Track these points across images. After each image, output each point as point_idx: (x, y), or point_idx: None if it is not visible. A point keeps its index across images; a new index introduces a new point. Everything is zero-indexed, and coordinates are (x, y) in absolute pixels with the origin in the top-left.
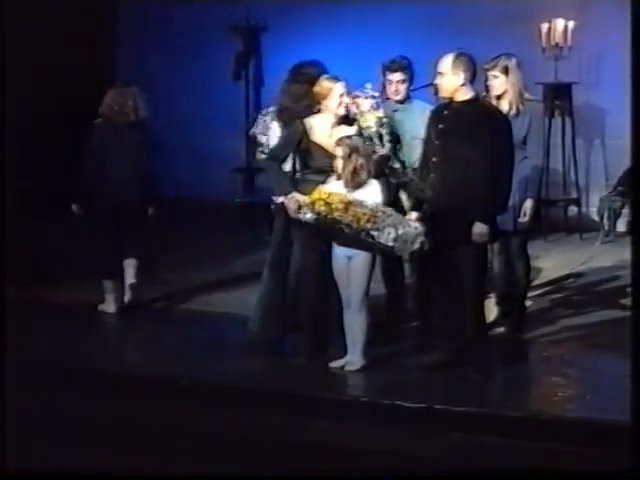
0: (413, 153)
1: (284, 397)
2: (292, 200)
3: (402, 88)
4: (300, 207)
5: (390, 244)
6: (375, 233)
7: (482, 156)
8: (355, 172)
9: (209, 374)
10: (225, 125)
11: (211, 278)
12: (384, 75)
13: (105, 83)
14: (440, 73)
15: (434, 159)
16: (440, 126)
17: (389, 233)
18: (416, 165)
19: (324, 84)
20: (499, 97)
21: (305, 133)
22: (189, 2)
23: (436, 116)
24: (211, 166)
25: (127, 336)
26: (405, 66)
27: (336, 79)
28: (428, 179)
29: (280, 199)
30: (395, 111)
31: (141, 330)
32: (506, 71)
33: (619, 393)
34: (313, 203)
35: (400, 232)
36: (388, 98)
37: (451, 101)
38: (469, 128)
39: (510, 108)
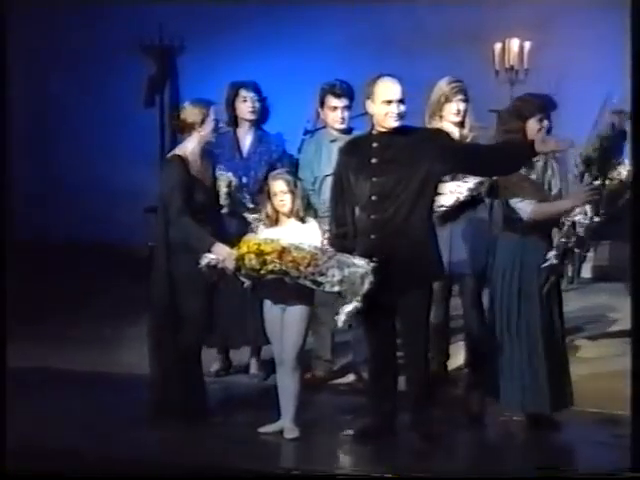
0: None
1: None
2: (229, 257)
3: (347, 115)
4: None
5: (335, 288)
6: (319, 278)
7: (433, 179)
8: (306, 202)
9: (118, 446)
10: (137, 158)
11: (116, 334)
12: (323, 100)
13: None
14: (394, 101)
15: (373, 198)
16: (374, 161)
17: (333, 275)
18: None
19: (196, 110)
20: (461, 124)
21: (186, 168)
22: (92, 19)
23: (362, 151)
24: (120, 204)
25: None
26: (348, 91)
27: (208, 103)
28: (366, 221)
29: (209, 258)
30: (333, 141)
31: (32, 396)
32: (467, 95)
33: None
34: (242, 257)
35: (346, 273)
36: (325, 126)
37: (379, 132)
38: (412, 156)
39: (470, 131)
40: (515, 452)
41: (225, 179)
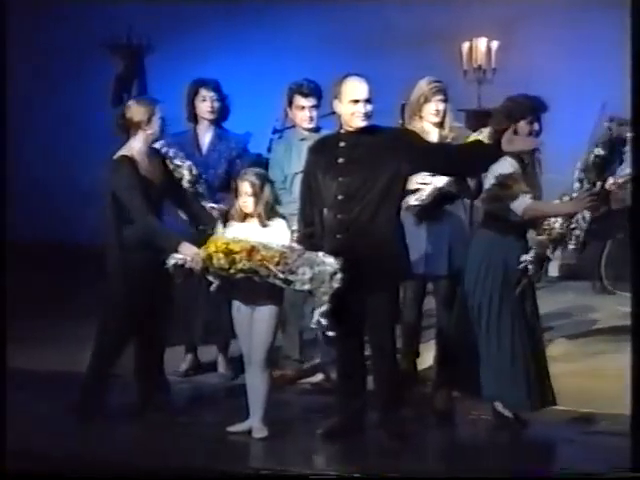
0: None
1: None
2: (197, 256)
3: (315, 114)
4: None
5: (306, 287)
6: (289, 276)
7: (402, 180)
8: (271, 207)
9: (84, 446)
10: (105, 157)
11: (81, 333)
12: (291, 100)
13: None
14: (362, 101)
15: (340, 197)
16: (340, 160)
17: (304, 273)
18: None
19: (142, 108)
20: (440, 124)
21: (136, 168)
22: (60, 18)
23: (330, 150)
24: (90, 204)
25: None
26: (316, 90)
27: (154, 101)
28: (332, 220)
29: (176, 257)
30: (302, 140)
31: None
32: (446, 95)
33: None
34: (210, 257)
35: (316, 271)
36: (293, 125)
37: (347, 131)
38: (379, 156)
39: (450, 132)
40: (484, 450)
41: (187, 167)
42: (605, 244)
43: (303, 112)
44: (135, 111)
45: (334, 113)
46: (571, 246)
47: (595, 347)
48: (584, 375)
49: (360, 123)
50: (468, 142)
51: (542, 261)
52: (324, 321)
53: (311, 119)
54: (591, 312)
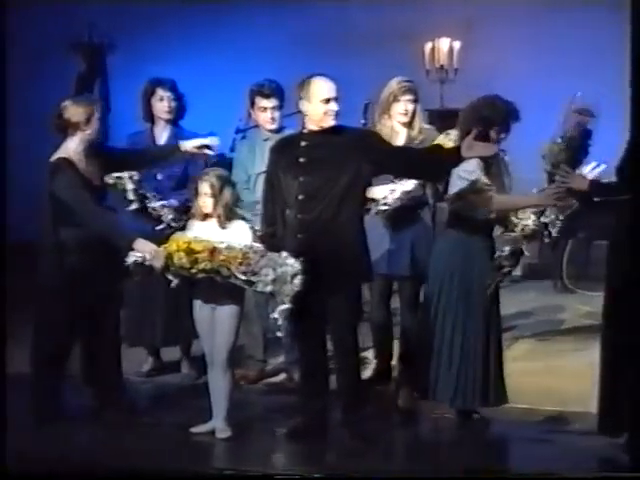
0: None
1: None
2: (158, 254)
3: (277, 115)
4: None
5: (268, 288)
6: (252, 277)
7: (364, 182)
8: (230, 208)
9: (48, 447)
10: None
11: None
12: (253, 101)
13: None
14: (331, 99)
15: (300, 197)
16: (302, 160)
17: (266, 274)
18: None
19: (81, 108)
20: (410, 124)
21: (76, 169)
22: (21, 17)
23: (292, 150)
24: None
25: None
26: (277, 90)
27: (93, 101)
28: (293, 220)
29: (136, 255)
30: (266, 140)
31: None
32: (417, 96)
33: None
34: (171, 256)
35: (278, 272)
36: (257, 125)
37: (310, 131)
38: (341, 156)
39: (419, 133)
40: (447, 449)
41: (127, 177)
42: (566, 243)
43: (265, 113)
44: (73, 111)
45: (299, 112)
46: (546, 240)
47: (557, 346)
48: (546, 374)
49: (331, 122)
50: (429, 146)
51: (517, 256)
52: (281, 321)
53: (273, 120)
54: (553, 311)
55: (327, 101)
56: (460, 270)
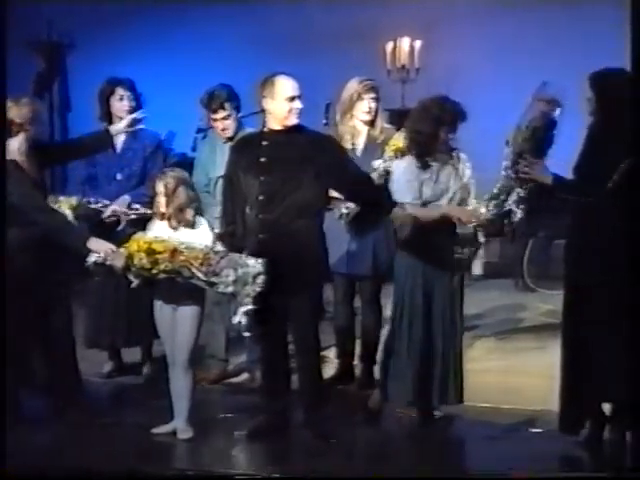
0: None
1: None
2: (118, 255)
3: (229, 123)
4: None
5: (230, 289)
6: (212, 278)
7: (320, 186)
8: (181, 209)
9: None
10: None
11: None
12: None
13: None
14: (294, 97)
15: (261, 197)
16: (262, 159)
17: (227, 275)
18: None
19: (24, 109)
20: (371, 123)
21: (21, 169)
22: None
23: (252, 149)
24: None
25: None
26: (227, 98)
27: (35, 101)
28: (253, 220)
29: (96, 255)
30: (226, 142)
31: None
32: (378, 94)
33: None
34: (131, 256)
35: (239, 273)
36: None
37: (270, 130)
38: (301, 158)
39: (380, 133)
40: (409, 448)
41: (66, 202)
42: (527, 242)
43: (216, 123)
44: (16, 112)
45: (262, 112)
46: (507, 229)
47: (518, 344)
48: (507, 372)
49: (295, 120)
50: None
51: (473, 242)
52: (245, 321)
53: (225, 130)
54: (514, 310)
55: (292, 99)
56: (422, 269)
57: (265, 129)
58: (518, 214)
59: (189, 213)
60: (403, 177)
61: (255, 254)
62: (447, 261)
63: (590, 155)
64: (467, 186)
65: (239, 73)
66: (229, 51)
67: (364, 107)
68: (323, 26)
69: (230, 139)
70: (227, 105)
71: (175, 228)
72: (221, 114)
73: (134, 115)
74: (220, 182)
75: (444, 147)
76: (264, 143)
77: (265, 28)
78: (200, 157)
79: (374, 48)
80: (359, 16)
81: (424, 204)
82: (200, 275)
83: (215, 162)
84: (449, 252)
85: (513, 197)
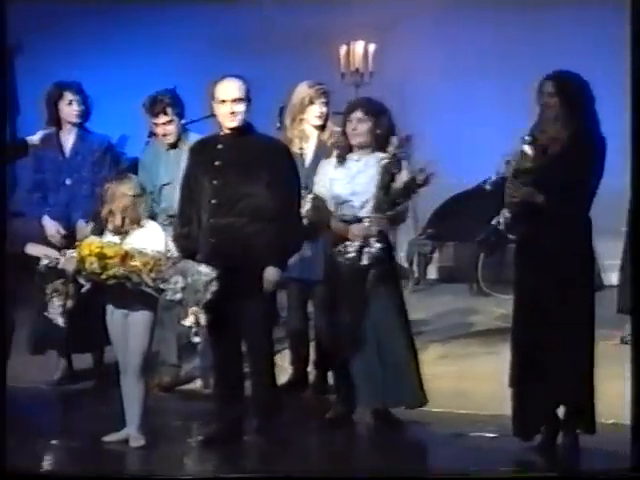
0: None
1: None
2: (69, 259)
3: (170, 128)
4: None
5: (178, 296)
6: (161, 285)
7: (270, 193)
8: (124, 215)
9: None
10: None
11: None
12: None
13: None
14: (235, 100)
15: (213, 201)
16: (217, 163)
17: (176, 282)
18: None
19: None
20: (322, 127)
21: None
22: None
23: (208, 152)
24: None
25: None
26: (169, 103)
27: None
28: (206, 224)
29: (49, 259)
30: (169, 149)
31: None
32: (329, 99)
33: None
34: (83, 261)
35: (189, 280)
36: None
37: (226, 133)
38: (253, 163)
39: (330, 137)
40: (364, 452)
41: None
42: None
43: (158, 128)
44: None
45: (213, 115)
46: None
47: (471, 349)
48: (460, 377)
49: (229, 124)
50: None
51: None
52: (195, 328)
53: (165, 136)
54: (468, 314)
55: (230, 102)
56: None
57: (221, 132)
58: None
59: (136, 217)
60: (320, 172)
61: (207, 258)
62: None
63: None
64: (399, 191)
65: (192, 76)
66: (182, 53)
67: (315, 111)
68: (277, 28)
69: (172, 145)
70: (169, 110)
71: (127, 233)
72: (162, 119)
73: (47, 131)
74: (164, 190)
75: (370, 150)
76: (219, 147)
77: (219, 30)
78: (144, 163)
79: (328, 51)
80: (314, 19)
81: (339, 203)
82: (148, 281)
83: (159, 169)
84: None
85: (500, 217)
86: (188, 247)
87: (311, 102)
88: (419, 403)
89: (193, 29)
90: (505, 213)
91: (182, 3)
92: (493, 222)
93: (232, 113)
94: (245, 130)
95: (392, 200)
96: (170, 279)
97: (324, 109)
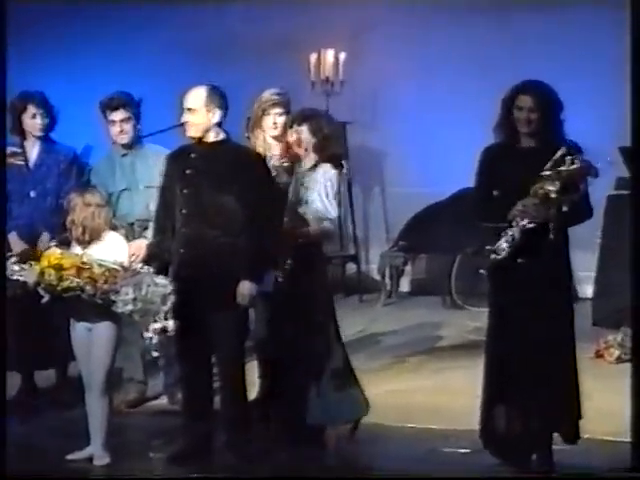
0: (149, 202)
1: None
2: (30, 271)
3: (128, 127)
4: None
5: (128, 308)
6: (112, 296)
7: (242, 204)
8: (88, 223)
9: None
10: None
11: None
12: (105, 115)
13: None
14: (190, 109)
15: (184, 211)
16: (188, 172)
17: (126, 294)
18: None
19: None
20: (282, 137)
21: None
22: None
23: (181, 161)
24: None
25: None
26: (127, 102)
27: None
28: (178, 234)
29: (10, 270)
30: (124, 155)
31: None
32: (287, 108)
33: None
34: (42, 272)
35: (143, 292)
36: (115, 142)
37: (200, 142)
38: (224, 173)
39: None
40: (334, 467)
41: None
42: (455, 258)
43: (114, 127)
44: None
45: (183, 124)
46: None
47: (444, 363)
48: (433, 391)
49: (188, 132)
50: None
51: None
52: (155, 341)
53: (122, 132)
54: (441, 327)
55: (186, 110)
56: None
57: (194, 142)
58: (504, 252)
59: (96, 228)
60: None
61: (176, 268)
62: None
63: None
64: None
65: (159, 83)
66: (149, 60)
67: (270, 122)
68: (247, 36)
69: (126, 147)
70: (127, 108)
71: (89, 243)
72: (120, 115)
73: (14, 149)
74: (122, 195)
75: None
76: (192, 155)
77: (189, 38)
78: (97, 170)
79: (298, 59)
80: (284, 26)
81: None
82: (101, 293)
83: (114, 176)
84: None
85: (506, 236)
86: (159, 256)
87: (265, 113)
88: (357, 415)
89: (163, 34)
90: (516, 233)
91: (152, 9)
92: (502, 243)
93: (189, 122)
94: (219, 140)
95: None
96: (121, 290)
97: (279, 120)
